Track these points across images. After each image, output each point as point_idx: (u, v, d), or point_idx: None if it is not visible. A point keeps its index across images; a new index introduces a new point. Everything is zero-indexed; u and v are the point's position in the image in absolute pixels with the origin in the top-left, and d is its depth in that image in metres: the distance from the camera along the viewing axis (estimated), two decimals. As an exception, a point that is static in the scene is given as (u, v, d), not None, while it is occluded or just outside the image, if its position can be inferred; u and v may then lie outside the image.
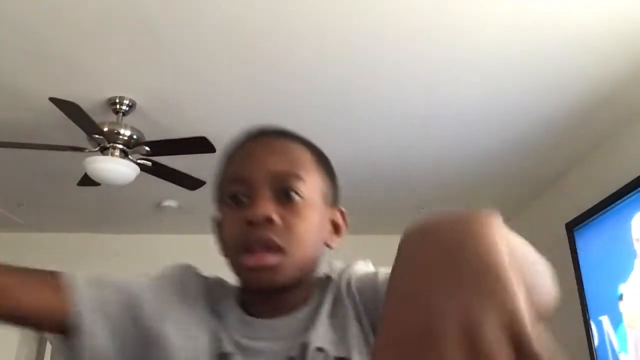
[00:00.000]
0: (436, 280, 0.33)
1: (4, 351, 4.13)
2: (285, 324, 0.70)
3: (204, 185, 3.03)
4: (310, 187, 0.71)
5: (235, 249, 0.68)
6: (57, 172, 3.37)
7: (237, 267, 0.69)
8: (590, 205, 3.03)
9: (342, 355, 0.65)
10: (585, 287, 3.04)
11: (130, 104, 2.65)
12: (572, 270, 3.11)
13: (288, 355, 0.65)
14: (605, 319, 2.88)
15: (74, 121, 2.49)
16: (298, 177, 0.70)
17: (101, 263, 3.94)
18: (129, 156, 2.73)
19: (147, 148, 2.74)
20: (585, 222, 3.10)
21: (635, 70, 2.38)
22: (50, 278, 0.65)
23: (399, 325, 0.33)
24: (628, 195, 2.71)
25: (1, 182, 3.59)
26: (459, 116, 2.79)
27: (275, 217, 0.66)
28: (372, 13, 2.06)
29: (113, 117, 2.67)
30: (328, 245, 0.75)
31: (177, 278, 0.73)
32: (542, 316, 0.42)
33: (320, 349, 0.65)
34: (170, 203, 3.98)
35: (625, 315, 2.70)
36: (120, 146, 2.69)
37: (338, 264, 0.78)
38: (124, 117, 2.68)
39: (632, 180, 2.67)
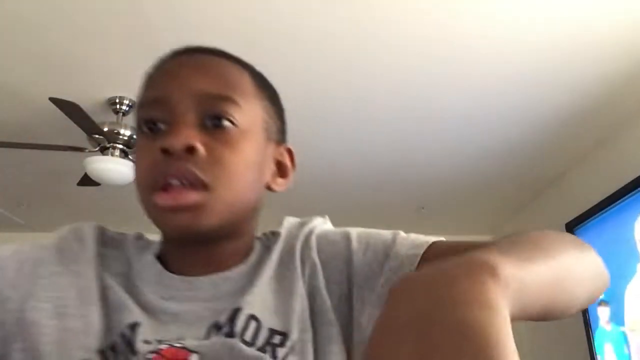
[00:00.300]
0: (405, 348, 0.30)
1: None
2: (214, 282, 0.57)
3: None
4: (248, 114, 0.58)
5: (147, 186, 0.55)
6: (57, 172, 3.37)
7: (150, 210, 0.56)
8: (590, 205, 3.03)
9: (277, 328, 0.54)
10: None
11: (130, 104, 2.65)
12: (572, 270, 3.11)
13: (214, 320, 0.54)
14: (606, 323, 2.87)
15: (74, 121, 2.49)
16: (232, 101, 0.57)
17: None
18: (129, 156, 2.73)
19: (147, 148, 2.73)
20: (585, 222, 3.10)
21: (635, 70, 2.38)
22: None
23: None
24: (628, 195, 2.71)
25: (1, 182, 3.59)
26: (459, 116, 2.79)
27: (199, 146, 0.54)
28: (370, 15, 2.06)
29: (113, 117, 2.67)
30: (270, 188, 0.63)
31: (59, 242, 0.59)
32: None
33: (253, 317, 0.54)
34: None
35: (627, 318, 2.69)
36: (120, 146, 2.69)
37: (291, 219, 0.67)
38: (124, 117, 2.68)
39: (633, 180, 2.67)
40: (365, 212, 4.02)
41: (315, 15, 2.08)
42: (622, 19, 2.08)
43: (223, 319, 0.53)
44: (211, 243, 0.58)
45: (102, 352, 0.51)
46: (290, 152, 0.67)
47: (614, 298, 2.75)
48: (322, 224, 0.66)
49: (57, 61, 2.36)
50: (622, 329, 2.71)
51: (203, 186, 0.53)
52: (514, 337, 0.30)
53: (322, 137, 3.00)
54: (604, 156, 3.05)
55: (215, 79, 0.58)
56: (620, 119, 2.79)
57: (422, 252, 0.56)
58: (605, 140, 3.00)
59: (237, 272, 0.59)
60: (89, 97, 2.59)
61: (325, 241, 0.62)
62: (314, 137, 2.98)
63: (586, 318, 3.03)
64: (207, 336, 0.53)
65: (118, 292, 0.56)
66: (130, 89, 2.59)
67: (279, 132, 0.65)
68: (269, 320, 0.54)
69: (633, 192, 2.68)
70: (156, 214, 0.55)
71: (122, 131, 2.68)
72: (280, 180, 0.64)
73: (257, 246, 0.63)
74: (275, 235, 0.65)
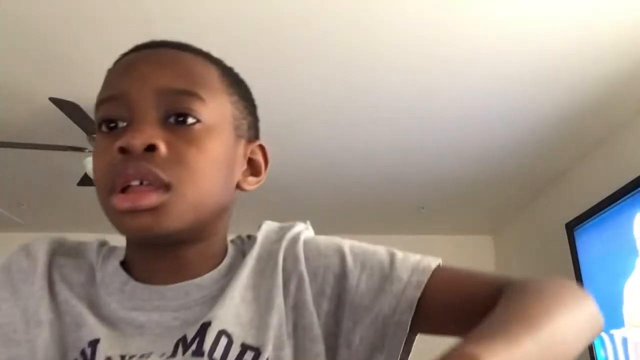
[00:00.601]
0: None
1: None
2: (183, 290, 0.54)
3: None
4: (214, 110, 0.55)
5: (105, 188, 0.51)
6: (57, 172, 3.37)
7: (110, 213, 0.52)
8: (590, 205, 3.03)
9: (251, 343, 0.51)
10: (585, 287, 3.04)
11: (130, 104, 2.65)
12: (572, 270, 3.11)
13: (183, 333, 0.50)
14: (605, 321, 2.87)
15: (74, 121, 2.49)
16: (196, 97, 0.53)
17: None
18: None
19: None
20: (585, 222, 3.10)
21: (635, 70, 2.38)
22: None
23: None
24: (628, 195, 2.71)
25: (1, 182, 3.59)
26: (459, 116, 2.79)
27: (160, 144, 0.50)
28: (371, 15, 2.06)
29: (113, 117, 2.67)
30: (241, 188, 0.59)
31: (8, 264, 0.57)
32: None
33: (224, 333, 0.50)
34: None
35: (627, 316, 2.69)
36: (120, 146, 2.69)
37: (270, 224, 0.63)
38: (124, 117, 2.68)
39: (633, 180, 2.67)
40: (366, 211, 4.02)
41: (315, 15, 2.08)
42: (622, 19, 2.08)
43: (191, 333, 0.50)
44: (176, 246, 0.55)
45: None
46: (263, 148, 0.62)
47: (614, 299, 2.75)
48: (305, 230, 0.62)
49: (57, 61, 2.36)
50: (622, 328, 2.71)
51: (164, 187, 0.50)
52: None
53: (322, 137, 2.99)
54: (604, 156, 3.05)
55: (178, 73, 0.54)
56: (620, 119, 2.79)
57: (426, 279, 0.55)
58: (605, 140, 3.00)
59: (208, 278, 0.55)
60: (89, 97, 2.58)
61: (316, 252, 0.58)
62: (314, 137, 2.98)
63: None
64: (174, 352, 0.49)
65: (75, 307, 0.53)
66: (130, 89, 2.59)
67: (251, 128, 0.61)
68: (242, 335, 0.51)
69: (633, 192, 2.68)
70: (115, 217, 0.51)
71: (122, 131, 2.68)
72: (251, 178, 0.61)
73: (231, 250, 0.60)
74: (251, 239, 0.61)
